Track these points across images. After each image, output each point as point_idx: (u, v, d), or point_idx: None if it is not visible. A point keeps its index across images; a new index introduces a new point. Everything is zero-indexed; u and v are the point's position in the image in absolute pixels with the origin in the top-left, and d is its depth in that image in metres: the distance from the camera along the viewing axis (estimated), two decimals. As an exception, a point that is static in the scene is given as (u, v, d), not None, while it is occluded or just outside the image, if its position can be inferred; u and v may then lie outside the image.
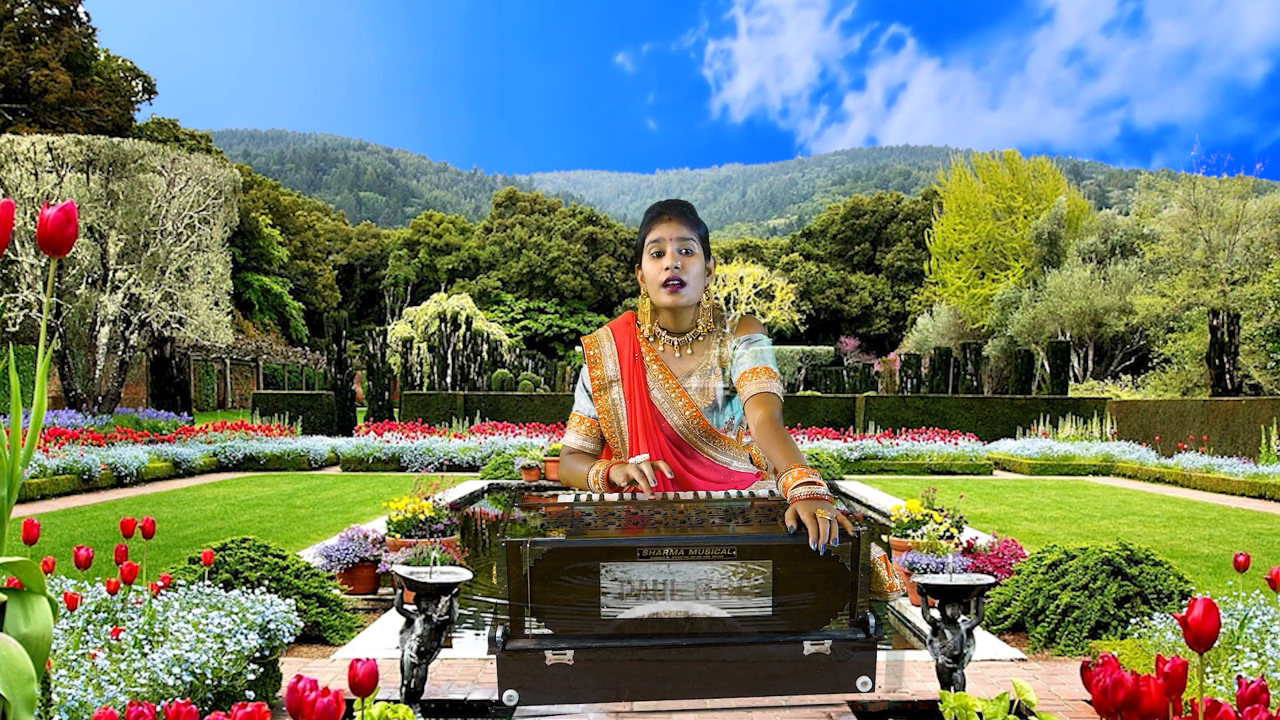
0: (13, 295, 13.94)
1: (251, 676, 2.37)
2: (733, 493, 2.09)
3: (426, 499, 4.80)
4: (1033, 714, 1.55)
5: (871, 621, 1.74)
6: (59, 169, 13.92)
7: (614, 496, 2.07)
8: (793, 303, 43.14)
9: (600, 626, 1.71)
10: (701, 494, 2.06)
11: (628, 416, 2.22)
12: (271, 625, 2.54)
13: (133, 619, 2.39)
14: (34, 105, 30.07)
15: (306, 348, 44.73)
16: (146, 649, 2.21)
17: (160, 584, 2.58)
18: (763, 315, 41.44)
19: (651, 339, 2.26)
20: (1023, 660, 3.27)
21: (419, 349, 30.88)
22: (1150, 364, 25.68)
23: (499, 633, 1.72)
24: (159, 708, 1.68)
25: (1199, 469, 10.17)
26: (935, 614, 2.12)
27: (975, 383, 18.95)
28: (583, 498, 2.06)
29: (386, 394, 16.71)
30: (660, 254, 2.14)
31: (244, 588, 3.11)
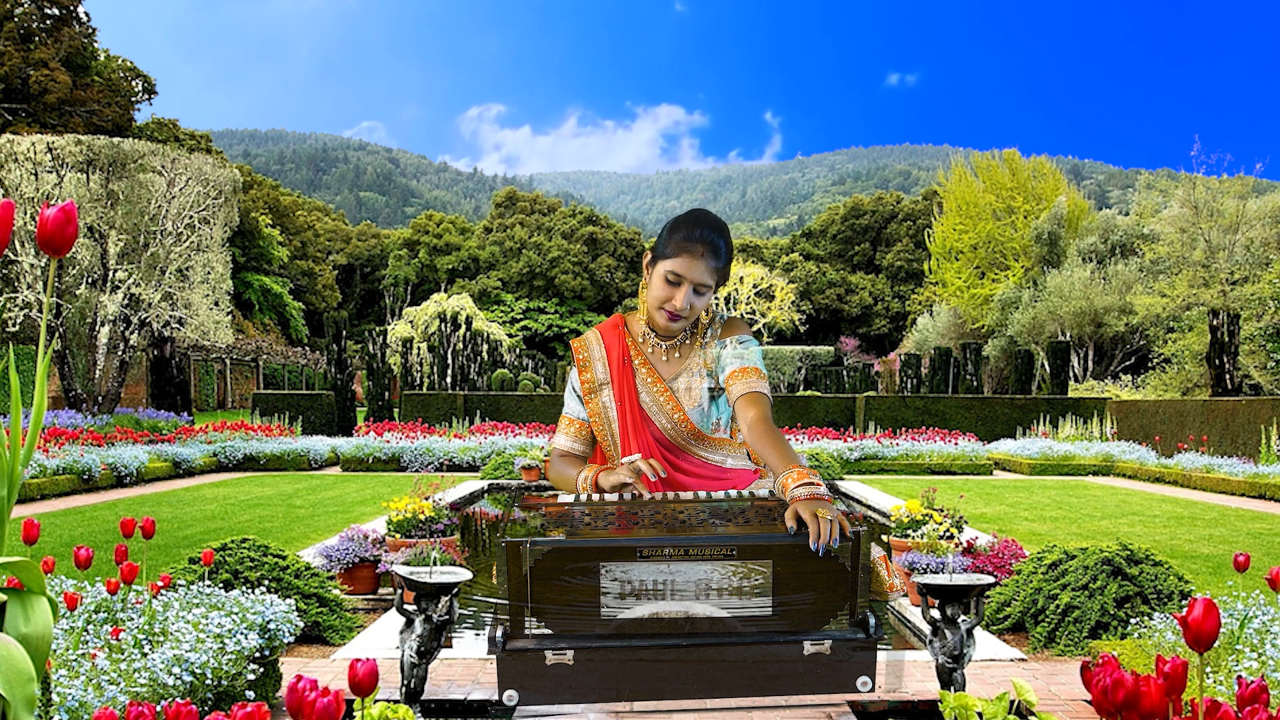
0: (13, 295, 13.94)
1: (251, 676, 2.37)
2: (731, 493, 2.10)
3: (426, 499, 4.80)
4: (1033, 714, 1.55)
5: (871, 621, 1.74)
6: (59, 169, 13.92)
7: (613, 497, 2.07)
8: (793, 303, 43.17)
9: (600, 626, 1.71)
10: (701, 494, 2.06)
11: (619, 419, 2.24)
12: (271, 625, 2.54)
13: (133, 619, 2.39)
14: (34, 105, 30.06)
15: (306, 348, 44.71)
16: (146, 649, 2.21)
17: (160, 584, 2.58)
18: (763, 315, 41.47)
19: (641, 340, 2.28)
20: (1023, 660, 3.27)
21: (419, 349, 30.89)
22: (1150, 364, 25.68)
23: (499, 633, 1.72)
24: (159, 708, 1.68)
25: (1199, 469, 10.17)
26: (935, 614, 2.12)
27: (975, 383, 18.95)
28: (582, 498, 2.06)
29: (386, 394, 16.71)
30: (676, 284, 2.13)
31: (244, 588, 3.11)
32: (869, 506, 8.12)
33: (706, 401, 2.23)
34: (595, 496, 2.06)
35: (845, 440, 12.69)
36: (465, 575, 2.09)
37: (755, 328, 40.06)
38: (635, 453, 2.20)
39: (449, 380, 24.05)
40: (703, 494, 2.07)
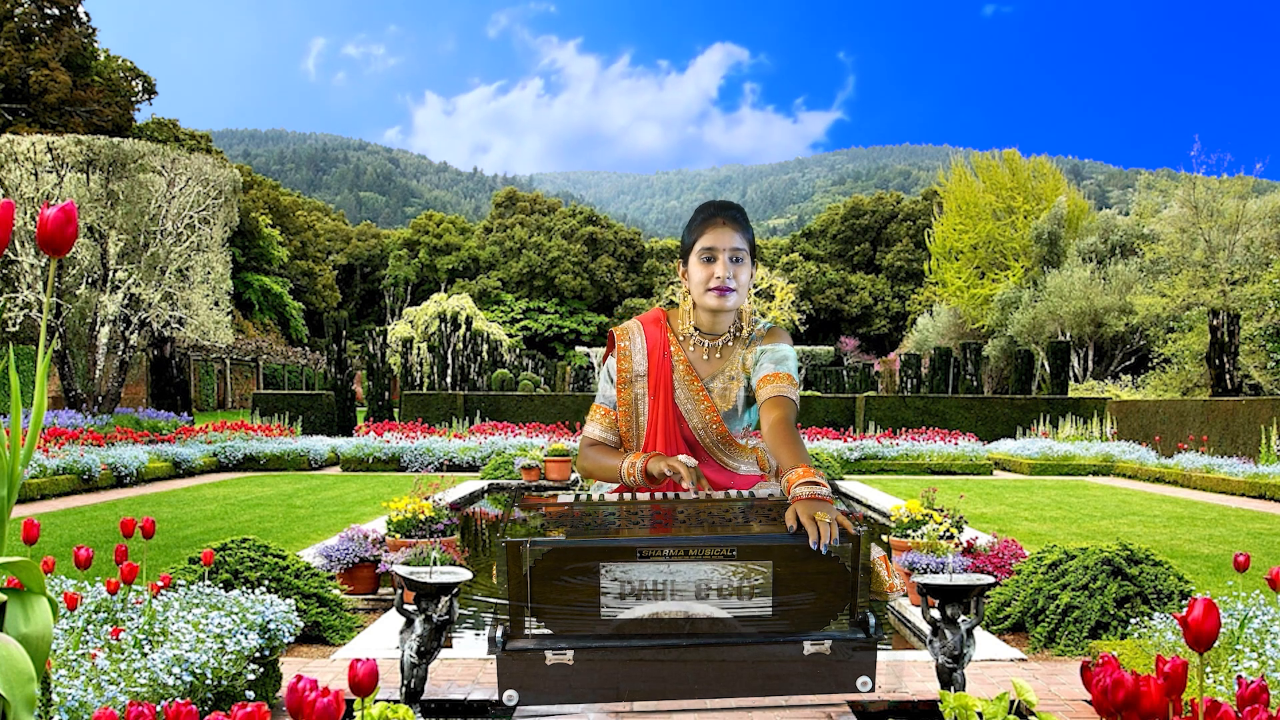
0: (13, 295, 13.94)
1: (251, 676, 2.37)
2: (733, 493, 2.10)
3: (426, 499, 4.80)
4: (1033, 714, 1.55)
5: (871, 621, 1.74)
6: (59, 169, 13.92)
7: (613, 497, 2.07)
8: (793, 303, 43.06)
9: (600, 626, 1.71)
10: (702, 494, 2.06)
11: (649, 413, 2.24)
12: (271, 625, 2.54)
13: (133, 619, 2.39)
14: (34, 105, 30.06)
15: (306, 348, 44.71)
16: (146, 649, 2.21)
17: (160, 584, 2.58)
18: (763, 315, 41.43)
19: (683, 338, 2.28)
20: (1023, 660, 3.27)
21: (419, 349, 30.88)
22: (1150, 364, 25.67)
23: (499, 633, 1.72)
24: (159, 708, 1.68)
25: (1199, 469, 10.16)
26: (935, 614, 2.12)
27: (975, 383, 18.95)
28: (582, 497, 2.06)
29: (386, 394, 16.71)
30: (711, 260, 2.15)
31: (244, 588, 3.11)
32: (869, 506, 8.12)
33: (741, 405, 2.24)
34: (639, 495, 2.06)
35: (845, 440, 12.70)
36: (465, 575, 2.09)
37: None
38: (660, 450, 2.20)
39: (449, 380, 24.05)
40: (703, 494, 2.07)
